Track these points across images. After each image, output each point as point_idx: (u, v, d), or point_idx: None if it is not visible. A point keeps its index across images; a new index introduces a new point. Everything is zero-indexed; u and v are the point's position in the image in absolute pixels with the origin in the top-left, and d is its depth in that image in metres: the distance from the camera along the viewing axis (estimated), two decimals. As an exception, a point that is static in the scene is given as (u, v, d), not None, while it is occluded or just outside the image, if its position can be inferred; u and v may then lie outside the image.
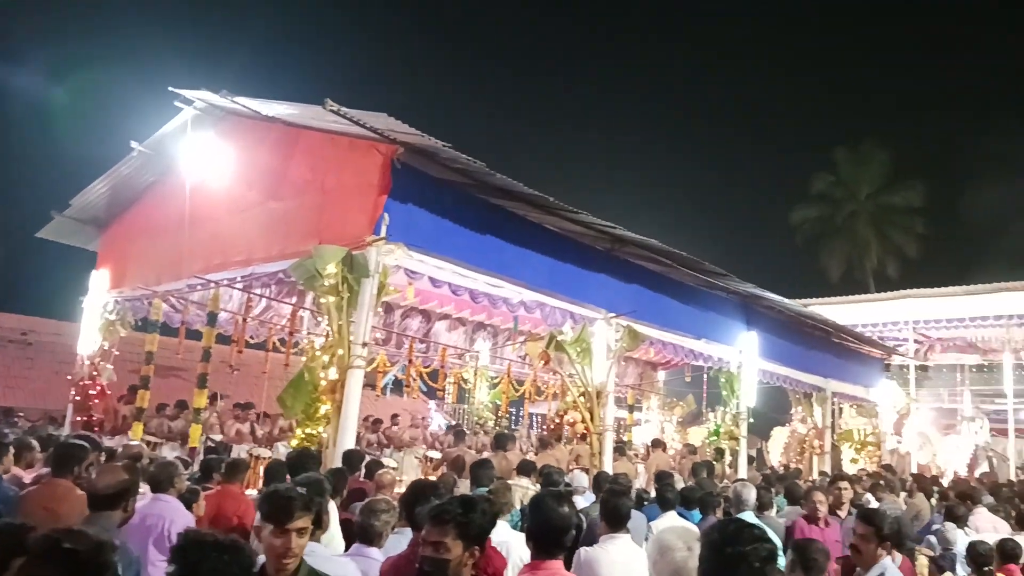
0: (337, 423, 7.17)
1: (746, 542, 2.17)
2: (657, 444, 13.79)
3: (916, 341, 20.76)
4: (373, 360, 12.92)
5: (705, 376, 16.20)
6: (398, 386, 15.67)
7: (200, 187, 9.38)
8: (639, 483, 11.10)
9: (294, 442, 7.73)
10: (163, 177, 10.83)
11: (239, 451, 10.31)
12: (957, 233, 34.63)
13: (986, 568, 5.10)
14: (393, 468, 9.15)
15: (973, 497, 7.79)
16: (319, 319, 9.12)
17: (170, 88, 9.10)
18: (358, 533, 4.14)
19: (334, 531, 4.87)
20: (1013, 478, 16.68)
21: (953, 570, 5.48)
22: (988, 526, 7.06)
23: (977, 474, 17.07)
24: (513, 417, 19.68)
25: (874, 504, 8.18)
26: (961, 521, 6.39)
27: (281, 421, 11.60)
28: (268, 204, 8.86)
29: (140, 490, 4.14)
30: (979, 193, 32.76)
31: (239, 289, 10.42)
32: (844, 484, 6.97)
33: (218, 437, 10.77)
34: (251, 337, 12.31)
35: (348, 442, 7.15)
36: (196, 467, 7.42)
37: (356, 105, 6.82)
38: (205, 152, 9.19)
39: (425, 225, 7.69)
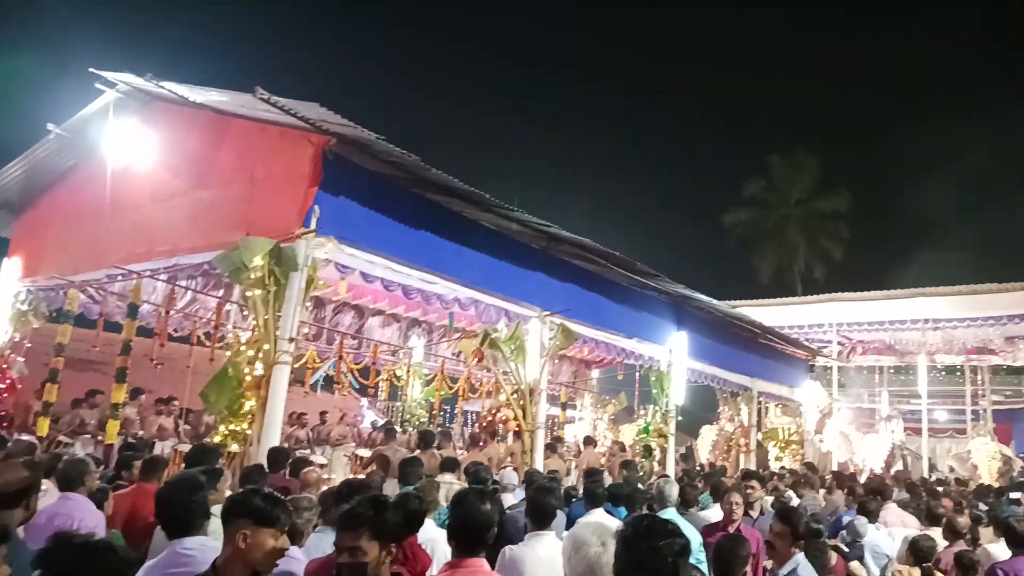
0: (262, 420, 6.99)
1: (659, 537, 2.19)
2: (588, 442, 13.93)
3: (839, 343, 21.50)
4: (301, 356, 12.67)
5: (637, 374, 16.44)
6: (329, 383, 15.41)
7: (123, 173, 9.03)
8: (570, 480, 11.18)
9: (218, 438, 7.51)
10: (83, 162, 10.38)
11: (162, 447, 9.99)
12: (879, 239, 36.12)
13: (925, 564, 5.28)
14: (321, 466, 9.02)
15: (883, 493, 8.09)
16: (246, 313, 8.90)
17: (91, 70, 8.72)
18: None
19: None
20: (926, 475, 17.44)
21: (861, 560, 5.69)
22: (897, 520, 7.35)
23: (893, 472, 17.77)
24: (448, 414, 19.59)
25: (795, 501, 8.42)
26: (873, 516, 6.62)
27: (206, 417, 11.26)
28: (195, 193, 8.59)
29: (44, 487, 3.95)
30: (900, 202, 34.27)
31: (163, 281, 10.07)
32: (754, 483, 6.73)
33: (140, 433, 10.39)
34: (175, 330, 11.91)
35: (273, 439, 6.99)
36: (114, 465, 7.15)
37: (290, 94, 6.66)
38: (128, 137, 8.84)
39: (357, 218, 7.58)
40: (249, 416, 7.15)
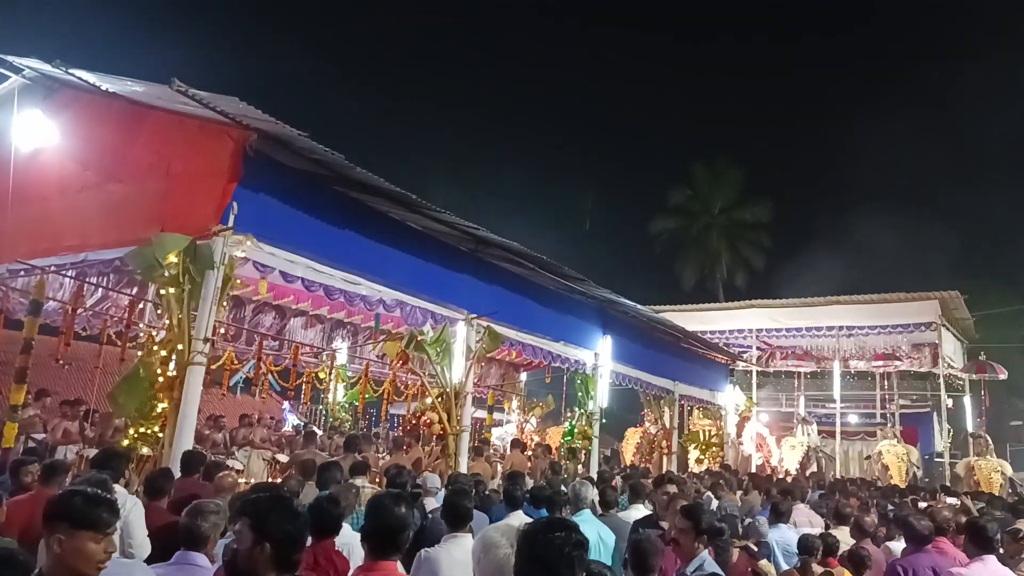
0: (175, 422, 6.75)
1: (556, 530, 2.31)
2: (516, 444, 13.98)
3: (759, 348, 22.19)
4: (219, 357, 12.28)
5: (564, 378, 16.57)
6: (248, 385, 14.99)
7: (28, 163, 8.60)
8: (496, 483, 11.16)
9: (126, 442, 7.20)
10: (-17, 150, 9.83)
11: (65, 452, 9.52)
12: (799, 249, 37.35)
13: (808, 556, 5.51)
14: (238, 470, 8.75)
15: (793, 494, 8.38)
16: (160, 312, 8.58)
17: (-6, 54, 8.29)
18: (183, 536, 3.89)
19: (140, 537, 4.60)
20: (838, 476, 18.13)
21: (770, 558, 5.86)
22: (804, 520, 7.63)
23: (808, 473, 18.41)
24: (373, 418, 19.34)
25: (715, 502, 8.61)
26: (785, 516, 6.84)
27: (117, 420, 10.77)
28: (107, 186, 8.23)
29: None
30: (819, 214, 35.69)
31: (70, 277, 9.60)
32: (672, 489, 6.15)
33: (40, 436, 9.86)
34: (83, 329, 11.35)
35: (186, 442, 6.76)
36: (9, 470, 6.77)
37: (212, 88, 6.45)
38: (34, 126, 8.42)
39: (278, 217, 7.41)
40: (161, 418, 6.89)
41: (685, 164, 40.25)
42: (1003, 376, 20.60)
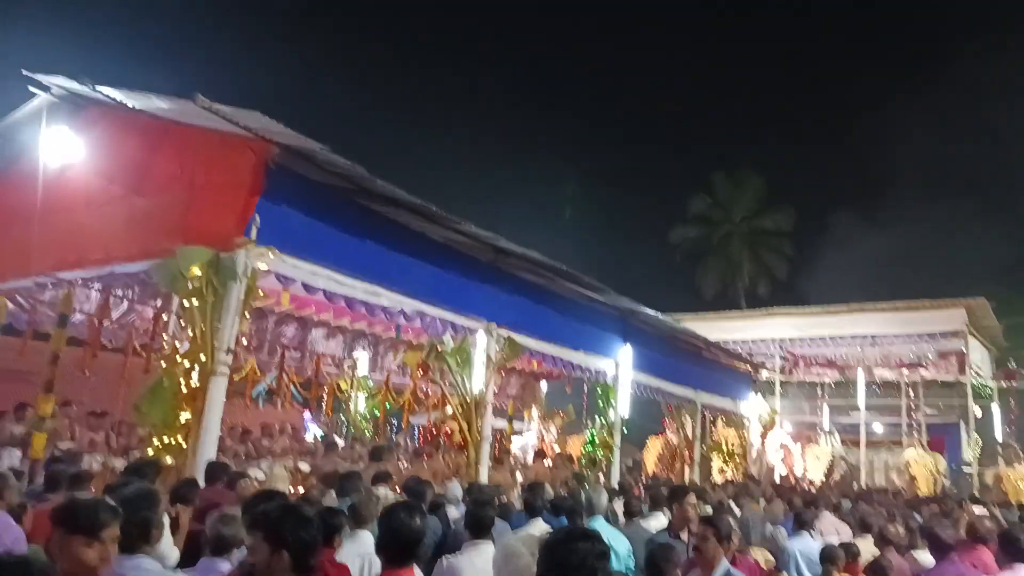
0: (198, 432, 6.83)
1: (578, 540, 2.31)
2: (539, 455, 14.04)
3: (782, 358, 22.01)
4: (241, 368, 12.40)
5: (585, 387, 16.53)
6: (271, 395, 15.11)
7: (55, 178, 8.75)
8: (517, 493, 11.15)
9: (150, 451, 7.30)
10: (12, 166, 10.01)
11: (91, 461, 9.64)
12: (822, 257, 37.00)
13: (830, 565, 5.51)
14: (260, 480, 8.81)
15: (816, 503, 8.29)
16: (183, 323, 8.70)
17: (24, 72, 8.46)
18: (209, 544, 3.93)
19: (165, 545, 4.64)
20: (864, 486, 17.90)
21: (787, 568, 5.82)
22: (831, 529, 7.54)
23: (832, 482, 18.19)
24: (395, 427, 19.40)
25: (737, 511, 8.55)
26: (808, 526, 6.77)
27: (141, 430, 10.91)
28: (131, 199, 8.35)
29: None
30: (842, 221, 35.34)
31: (97, 290, 9.76)
32: (692, 499, 5.65)
33: (67, 445, 9.99)
34: (109, 341, 11.52)
35: (209, 452, 6.82)
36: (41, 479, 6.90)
37: (232, 101, 6.54)
38: (62, 141, 8.58)
39: (299, 229, 7.48)
40: (185, 429, 6.97)
41: (706, 172, 40.21)
42: (1033, 384, 20.27)
